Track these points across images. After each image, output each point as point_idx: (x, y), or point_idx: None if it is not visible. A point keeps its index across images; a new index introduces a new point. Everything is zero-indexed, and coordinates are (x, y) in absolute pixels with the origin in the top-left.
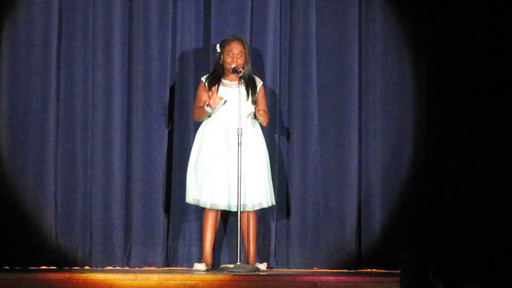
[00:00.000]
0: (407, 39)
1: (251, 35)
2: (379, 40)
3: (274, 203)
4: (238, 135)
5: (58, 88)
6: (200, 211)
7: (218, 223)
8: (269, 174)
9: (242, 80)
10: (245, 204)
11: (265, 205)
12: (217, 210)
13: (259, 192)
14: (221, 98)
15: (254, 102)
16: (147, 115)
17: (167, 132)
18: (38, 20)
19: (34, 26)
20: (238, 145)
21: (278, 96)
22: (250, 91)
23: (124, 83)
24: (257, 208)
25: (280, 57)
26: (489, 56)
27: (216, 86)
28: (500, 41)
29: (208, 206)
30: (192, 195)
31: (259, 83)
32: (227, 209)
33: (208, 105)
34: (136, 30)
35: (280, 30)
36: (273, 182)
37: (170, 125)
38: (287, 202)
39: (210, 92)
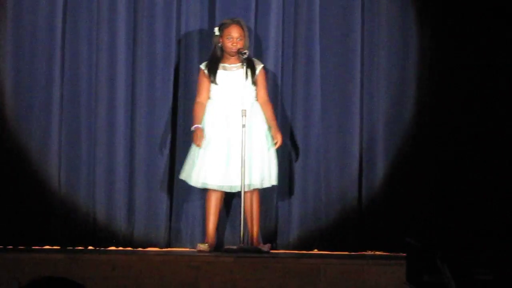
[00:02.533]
0: (412, 19)
1: (255, 17)
2: (383, 21)
3: (276, 183)
4: (242, 116)
5: (62, 68)
6: (203, 191)
7: (221, 204)
8: (269, 154)
9: (245, 62)
10: (247, 184)
11: (267, 184)
12: (220, 192)
13: (258, 172)
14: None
15: (254, 83)
16: (151, 95)
17: (171, 112)
18: (43, 1)
19: (39, 7)
20: (243, 127)
21: (281, 79)
22: (249, 73)
23: (129, 64)
24: (258, 187)
25: (283, 40)
26: (492, 31)
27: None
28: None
29: (208, 187)
30: (187, 173)
31: (259, 65)
32: (224, 190)
33: (196, 128)
34: (141, 11)
35: (284, 13)
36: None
37: (174, 105)
38: (289, 183)
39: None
